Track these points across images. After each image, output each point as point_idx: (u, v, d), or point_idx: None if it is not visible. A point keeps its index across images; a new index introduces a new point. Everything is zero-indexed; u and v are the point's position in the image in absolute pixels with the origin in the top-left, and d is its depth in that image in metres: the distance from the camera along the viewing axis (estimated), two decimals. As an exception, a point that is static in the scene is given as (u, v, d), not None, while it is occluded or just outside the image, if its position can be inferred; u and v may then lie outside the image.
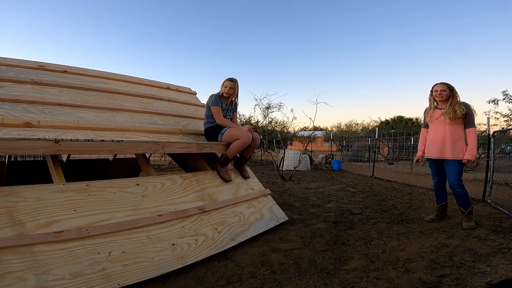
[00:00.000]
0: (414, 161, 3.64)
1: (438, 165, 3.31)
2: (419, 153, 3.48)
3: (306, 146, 9.38)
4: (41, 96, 2.67)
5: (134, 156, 3.90)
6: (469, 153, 3.04)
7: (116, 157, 4.91)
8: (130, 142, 2.42)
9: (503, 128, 5.78)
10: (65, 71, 3.27)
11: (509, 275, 1.94)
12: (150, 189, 2.46)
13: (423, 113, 3.46)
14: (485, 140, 5.31)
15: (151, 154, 5.12)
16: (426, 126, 3.40)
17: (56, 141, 2.02)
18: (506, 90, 8.82)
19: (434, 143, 3.24)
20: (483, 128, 8.48)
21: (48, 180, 2.17)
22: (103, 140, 2.25)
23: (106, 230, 1.93)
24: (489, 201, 4.36)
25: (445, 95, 3.13)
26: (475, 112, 3.19)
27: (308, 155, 10.46)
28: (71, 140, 2.10)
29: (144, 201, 2.33)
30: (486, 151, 5.12)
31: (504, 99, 8.87)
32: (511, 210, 3.45)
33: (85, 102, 2.90)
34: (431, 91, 3.26)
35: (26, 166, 4.59)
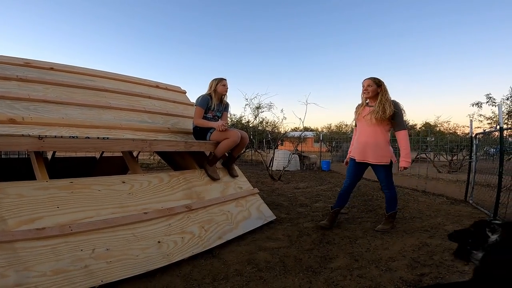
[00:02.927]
0: (344, 164, 3.31)
1: (357, 169, 3.02)
2: (348, 156, 3.21)
3: (296, 147, 9.43)
4: (26, 92, 2.64)
5: (121, 154, 3.86)
6: (405, 160, 2.78)
7: (103, 156, 4.85)
8: (116, 140, 2.40)
9: (484, 130, 5.96)
10: (52, 68, 3.23)
11: None
12: (136, 186, 2.45)
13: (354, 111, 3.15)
14: (468, 142, 5.46)
15: (139, 152, 5.08)
16: (356, 125, 3.15)
17: (40, 137, 2.00)
18: (490, 93, 9.09)
19: (358, 144, 2.98)
20: (467, 130, 8.71)
21: (32, 178, 2.14)
22: (88, 137, 2.23)
23: (90, 228, 1.92)
24: (470, 201, 4.48)
25: (371, 91, 2.83)
26: (404, 113, 2.92)
27: (298, 155, 10.54)
28: (55, 136, 2.08)
29: (130, 199, 2.33)
30: (469, 153, 5.25)
31: (487, 102, 9.14)
32: (492, 210, 3.53)
33: (71, 99, 2.87)
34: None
35: (9, 164, 4.49)
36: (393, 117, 2.81)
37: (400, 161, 2.82)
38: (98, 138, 2.29)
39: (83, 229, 1.90)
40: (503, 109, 8.26)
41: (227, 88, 3.36)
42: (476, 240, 1.47)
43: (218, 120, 3.36)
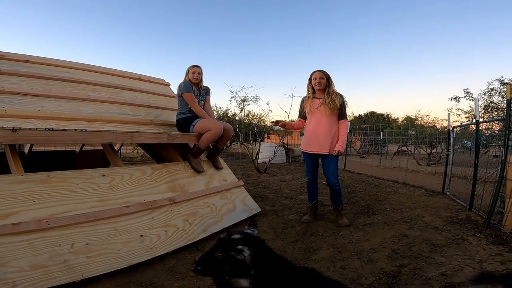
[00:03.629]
0: (275, 123, 3.35)
1: (314, 160, 3.16)
2: (284, 122, 3.28)
3: (282, 139, 9.48)
4: (0, 85, 2.53)
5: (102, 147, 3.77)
6: (340, 144, 2.96)
7: (84, 149, 4.71)
8: (95, 132, 2.35)
9: (461, 123, 6.18)
10: (27, 61, 3.10)
11: (461, 266, 2.07)
12: (117, 180, 2.41)
13: (300, 103, 3.27)
14: (446, 135, 5.64)
15: (121, 146, 4.97)
16: (302, 117, 3.23)
17: (14, 130, 1.93)
18: (468, 88, 9.38)
19: (315, 136, 3.03)
20: (445, 123, 9.01)
21: (7, 172, 2.06)
22: (65, 130, 2.16)
23: (68, 222, 1.88)
24: (448, 193, 4.64)
25: (323, 83, 2.95)
26: (346, 104, 3.09)
27: (284, 148, 10.61)
28: (30, 129, 2.00)
29: (111, 192, 2.28)
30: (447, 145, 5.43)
31: (465, 96, 9.43)
32: (468, 202, 3.66)
33: (48, 92, 2.77)
34: (309, 79, 3.04)
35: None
36: (341, 107, 2.97)
37: (337, 145, 2.97)
38: (75, 130, 2.22)
39: (61, 223, 1.85)
40: (480, 103, 8.57)
41: (198, 76, 3.30)
42: (233, 266, 1.16)
43: (202, 106, 3.36)
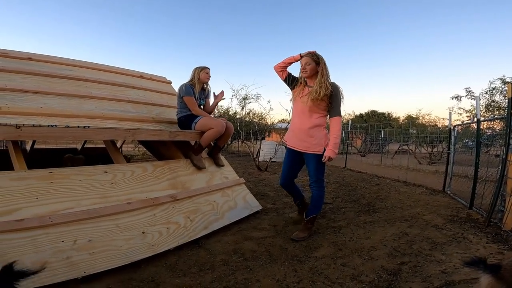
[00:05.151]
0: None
1: (294, 157, 2.75)
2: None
3: (283, 138, 9.49)
4: (3, 82, 2.54)
5: (103, 144, 3.78)
6: (331, 149, 2.41)
7: (85, 146, 4.72)
8: (97, 129, 2.35)
9: (462, 122, 6.18)
10: (29, 59, 3.12)
11: (461, 264, 2.04)
12: (119, 176, 2.41)
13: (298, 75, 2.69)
14: (447, 134, 5.64)
15: (123, 143, 4.98)
16: (288, 75, 2.70)
17: (17, 126, 1.94)
18: (469, 87, 9.40)
19: (291, 130, 2.68)
20: (446, 122, 9.01)
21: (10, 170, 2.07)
22: (67, 126, 2.17)
23: (71, 218, 1.89)
24: (448, 192, 4.65)
25: (310, 70, 2.43)
26: (342, 98, 2.52)
27: (285, 146, 10.62)
28: (33, 125, 2.01)
29: (113, 189, 2.29)
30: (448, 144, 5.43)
31: (466, 95, 9.43)
32: (468, 201, 3.66)
33: (50, 89, 2.78)
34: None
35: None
36: (330, 99, 2.46)
37: (327, 150, 2.45)
38: (78, 127, 2.23)
39: (63, 220, 1.86)
40: (481, 102, 8.57)
41: (210, 77, 3.36)
42: None
43: (202, 108, 3.38)
